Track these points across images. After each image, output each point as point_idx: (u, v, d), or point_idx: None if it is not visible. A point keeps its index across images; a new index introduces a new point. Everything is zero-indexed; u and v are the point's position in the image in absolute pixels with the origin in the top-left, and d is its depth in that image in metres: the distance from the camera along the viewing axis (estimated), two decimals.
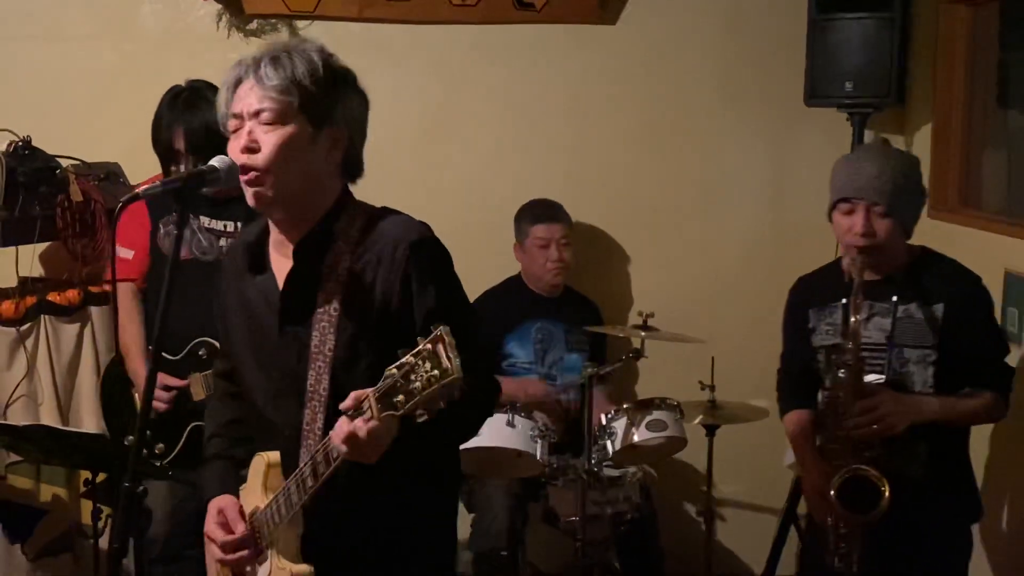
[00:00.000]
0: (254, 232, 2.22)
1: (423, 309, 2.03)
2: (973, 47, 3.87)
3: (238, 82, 2.06)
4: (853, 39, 3.84)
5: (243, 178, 2.02)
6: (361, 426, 1.83)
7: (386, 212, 2.17)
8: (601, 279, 4.17)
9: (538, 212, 3.96)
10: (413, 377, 1.73)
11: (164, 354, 3.24)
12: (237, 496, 2.21)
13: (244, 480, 2.23)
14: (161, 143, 3.30)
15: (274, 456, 2.13)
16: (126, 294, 3.42)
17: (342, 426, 1.86)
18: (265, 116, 2.01)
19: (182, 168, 3.23)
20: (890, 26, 3.80)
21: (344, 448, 1.87)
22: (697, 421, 3.69)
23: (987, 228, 3.62)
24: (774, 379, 4.12)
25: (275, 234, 2.15)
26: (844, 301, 2.83)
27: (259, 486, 2.14)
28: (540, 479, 3.62)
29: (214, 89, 2.98)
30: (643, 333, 3.54)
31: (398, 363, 1.75)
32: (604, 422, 3.55)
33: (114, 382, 3.49)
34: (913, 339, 2.79)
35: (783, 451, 4.02)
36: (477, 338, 2.18)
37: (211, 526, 2.17)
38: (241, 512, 2.17)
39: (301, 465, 2.02)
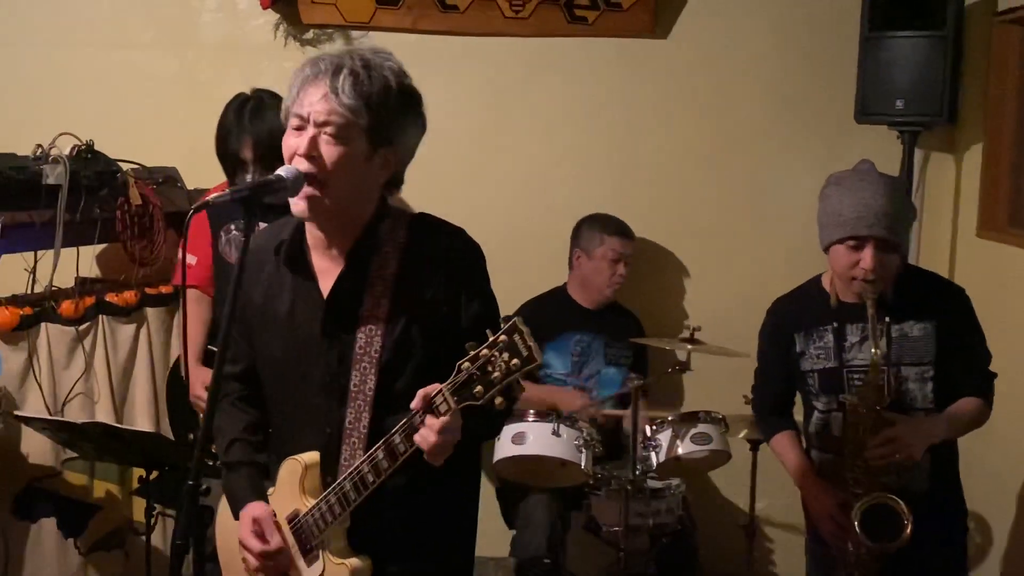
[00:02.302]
0: (287, 232, 2.21)
1: (471, 311, 2.10)
2: None
3: (310, 81, 2.07)
4: (905, 57, 3.84)
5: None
6: (441, 422, 1.91)
7: (424, 217, 2.24)
8: (647, 291, 4.19)
9: (617, 226, 3.99)
10: (491, 368, 1.81)
11: None
12: (266, 501, 2.23)
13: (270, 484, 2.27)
14: (228, 152, 3.37)
15: (311, 457, 2.15)
16: (189, 299, 3.51)
17: (430, 428, 1.92)
18: (331, 129, 2.04)
19: (248, 177, 3.31)
20: (942, 44, 3.80)
21: (427, 446, 1.94)
22: (742, 435, 3.70)
23: None
24: None
25: (316, 239, 2.18)
26: (835, 324, 2.85)
27: (295, 489, 2.16)
28: (583, 488, 3.65)
29: (278, 98, 3.06)
30: (689, 346, 3.56)
31: (470, 356, 1.83)
32: (649, 433, 3.57)
33: (177, 383, 3.57)
34: (911, 357, 2.80)
35: None
36: None
37: (246, 534, 2.18)
38: (276, 521, 2.19)
39: (357, 464, 2.05)
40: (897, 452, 2.70)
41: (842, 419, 2.84)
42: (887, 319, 2.80)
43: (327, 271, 2.16)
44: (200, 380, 3.35)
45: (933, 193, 4.15)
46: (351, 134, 2.04)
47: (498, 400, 1.82)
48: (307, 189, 2.05)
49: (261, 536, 2.16)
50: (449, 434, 1.93)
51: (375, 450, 2.03)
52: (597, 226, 4.00)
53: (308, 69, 2.09)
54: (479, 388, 1.83)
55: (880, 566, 2.77)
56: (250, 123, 3.33)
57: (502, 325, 1.81)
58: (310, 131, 2.05)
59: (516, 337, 1.78)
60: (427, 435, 1.94)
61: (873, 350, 2.71)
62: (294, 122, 2.08)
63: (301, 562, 2.17)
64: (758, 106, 4.25)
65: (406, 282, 2.11)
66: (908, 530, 2.68)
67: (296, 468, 2.16)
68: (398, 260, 2.12)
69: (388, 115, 2.06)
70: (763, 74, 4.24)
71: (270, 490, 2.24)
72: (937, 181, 4.16)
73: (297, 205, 2.07)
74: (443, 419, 1.91)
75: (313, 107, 2.05)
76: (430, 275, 2.11)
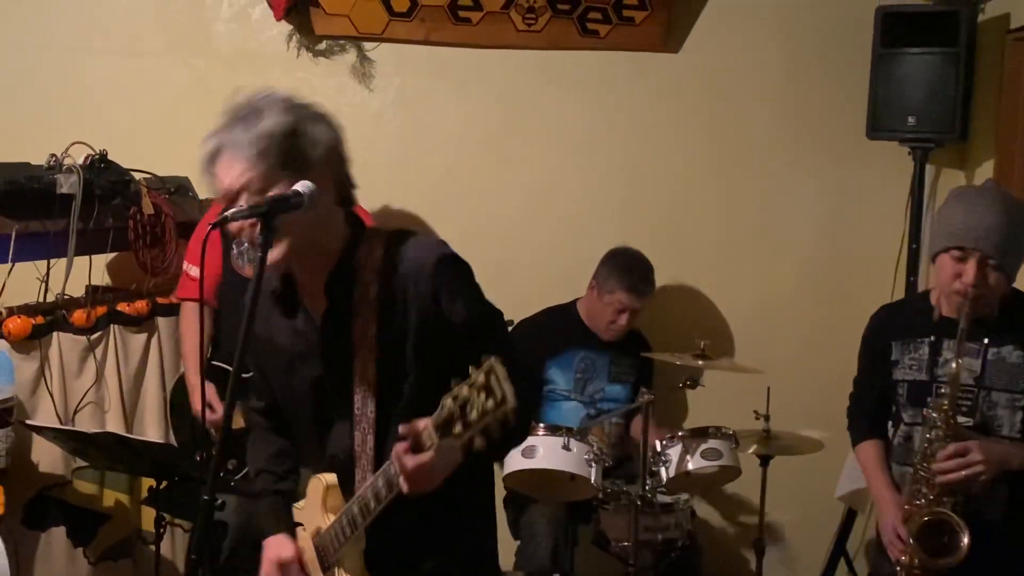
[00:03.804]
0: (274, 280, 2.22)
1: (458, 319, 2.09)
2: None
3: (215, 157, 2.08)
4: (917, 74, 3.85)
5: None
6: (424, 460, 1.91)
7: (403, 235, 2.19)
8: (658, 306, 4.19)
9: (635, 282, 3.86)
10: (468, 408, 1.79)
11: (229, 368, 3.34)
12: (291, 531, 2.29)
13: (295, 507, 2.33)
14: None
15: (331, 478, 2.20)
16: (191, 312, 3.51)
17: (404, 463, 1.93)
18: (254, 187, 2.03)
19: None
20: (955, 61, 3.80)
21: (407, 485, 1.95)
22: (751, 451, 3.70)
23: None
24: (829, 410, 4.12)
25: (300, 277, 2.20)
26: (932, 338, 2.81)
27: (319, 506, 2.21)
28: (591, 502, 3.64)
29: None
30: (699, 362, 3.56)
31: (453, 393, 1.81)
32: (659, 448, 3.57)
33: (181, 394, 3.58)
34: (1004, 382, 2.76)
35: (835, 483, 4.04)
36: (510, 342, 2.24)
37: (269, 567, 2.26)
38: (299, 557, 2.25)
39: (362, 490, 2.09)
40: (964, 469, 2.67)
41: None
42: (985, 340, 2.77)
43: (317, 303, 2.18)
44: (198, 395, 3.34)
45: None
46: (268, 184, 2.02)
47: (477, 441, 1.80)
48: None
49: (285, 573, 2.25)
50: (431, 470, 1.94)
51: (377, 478, 2.05)
52: (617, 271, 3.88)
53: (203, 148, 2.10)
54: (459, 427, 1.81)
55: None
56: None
57: (483, 361, 1.78)
58: (241, 199, 2.05)
59: (492, 378, 1.76)
60: (406, 471, 1.94)
61: (954, 364, 2.70)
62: (225, 202, 2.08)
63: (333, 571, 2.21)
64: (769, 121, 4.26)
65: (389, 304, 2.11)
66: (964, 549, 2.65)
67: (319, 486, 2.22)
68: (378, 283, 2.11)
69: (283, 148, 2.01)
70: (774, 89, 4.24)
71: (300, 503, 2.30)
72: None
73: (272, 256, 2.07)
74: (422, 457, 1.91)
75: (224, 183, 2.05)
76: (411, 293, 2.10)
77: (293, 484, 2.33)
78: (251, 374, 2.87)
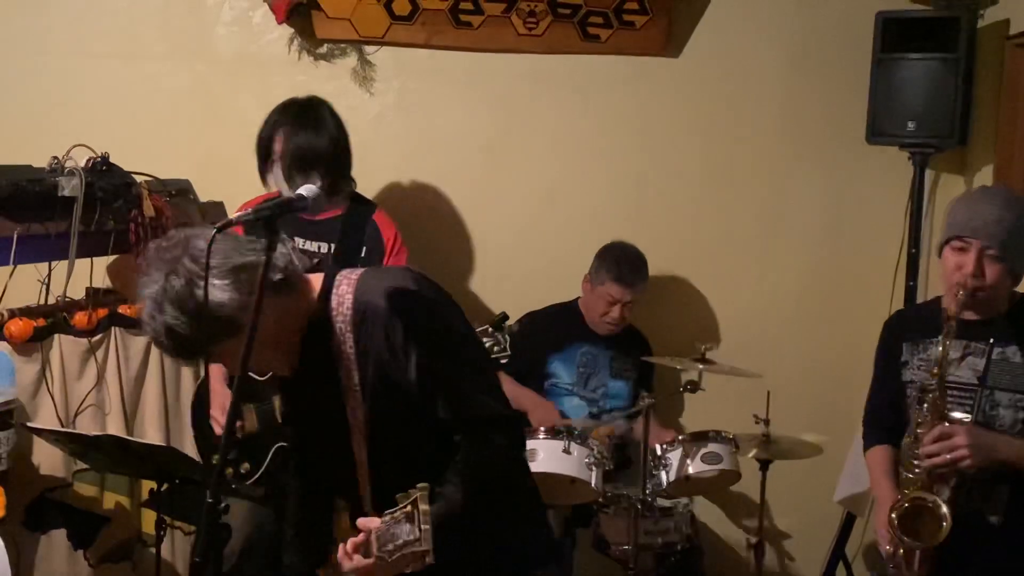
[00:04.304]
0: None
1: (410, 367, 2.10)
2: None
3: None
4: (917, 79, 3.86)
5: None
6: (363, 564, 1.98)
7: (367, 276, 2.18)
8: (659, 310, 4.20)
9: (623, 273, 3.89)
10: (397, 532, 1.87)
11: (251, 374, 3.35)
12: None
13: None
14: (262, 142, 3.43)
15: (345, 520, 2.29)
16: None
17: (343, 562, 2.02)
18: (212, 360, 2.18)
19: (273, 173, 3.33)
20: (954, 67, 3.81)
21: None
22: (751, 455, 3.70)
23: None
24: (828, 415, 4.17)
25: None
26: (939, 337, 2.81)
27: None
28: (591, 506, 3.65)
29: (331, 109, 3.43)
30: (700, 366, 3.57)
31: (392, 511, 1.90)
32: (659, 452, 3.58)
33: (203, 399, 3.58)
34: (1007, 383, 2.76)
35: (834, 487, 4.05)
36: (476, 382, 2.17)
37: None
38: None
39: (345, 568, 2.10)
40: (947, 452, 2.67)
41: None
42: (991, 340, 2.79)
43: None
44: (219, 401, 3.35)
45: (943, 215, 4.11)
46: (218, 350, 2.07)
47: (409, 568, 1.87)
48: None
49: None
50: (374, 572, 1.99)
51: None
52: (607, 264, 3.92)
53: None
54: (389, 547, 1.88)
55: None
56: (293, 118, 3.37)
57: (411, 492, 1.86)
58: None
59: (415, 514, 1.83)
60: (351, 568, 2.01)
61: (939, 348, 2.71)
62: None
63: None
64: (769, 125, 4.27)
65: (364, 350, 2.13)
66: (944, 532, 2.65)
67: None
68: (352, 333, 2.13)
69: (198, 325, 2.00)
70: (775, 94, 4.25)
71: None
72: (947, 203, 4.16)
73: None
74: (366, 562, 1.97)
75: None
76: (374, 338, 2.11)
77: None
78: None
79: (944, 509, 2.67)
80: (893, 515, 2.74)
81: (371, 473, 2.16)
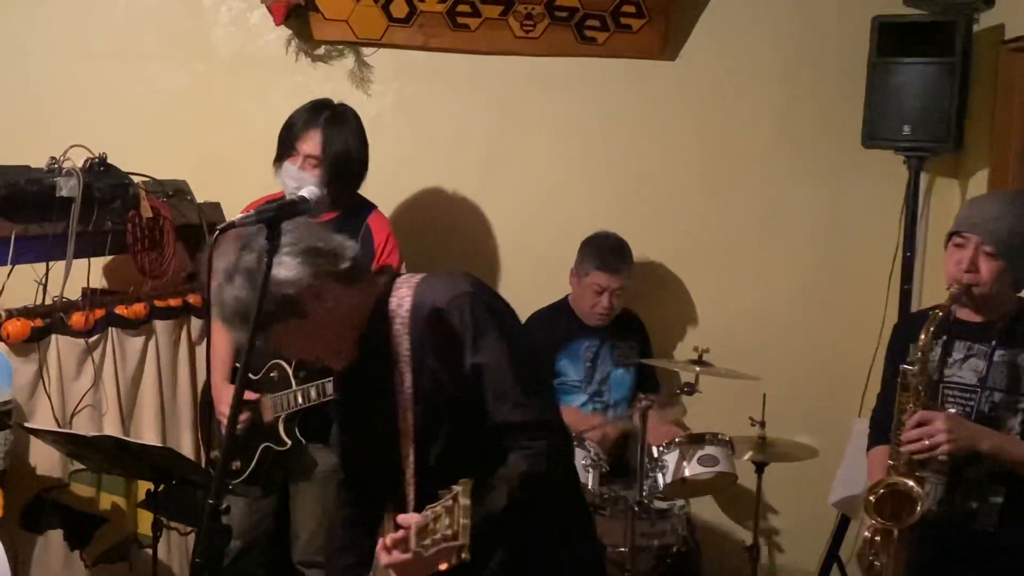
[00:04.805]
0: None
1: (466, 369, 2.11)
2: None
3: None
4: (913, 83, 3.88)
5: None
6: (400, 559, 1.97)
7: (428, 278, 2.22)
8: (654, 312, 4.21)
9: (605, 259, 3.92)
10: (437, 526, 1.85)
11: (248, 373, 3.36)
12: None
13: None
14: (288, 138, 3.44)
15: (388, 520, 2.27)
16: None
17: (380, 557, 2.01)
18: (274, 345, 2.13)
19: (293, 169, 3.36)
20: (950, 71, 3.83)
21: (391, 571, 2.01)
22: (747, 457, 3.72)
23: None
24: (823, 417, 4.19)
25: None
26: (944, 338, 2.84)
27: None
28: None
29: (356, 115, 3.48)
30: (697, 368, 3.58)
31: (433, 506, 1.88)
32: (656, 455, 3.59)
33: (207, 398, 3.59)
34: (1006, 385, 2.77)
35: (829, 489, 4.06)
36: (530, 389, 2.16)
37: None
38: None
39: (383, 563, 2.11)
40: (926, 438, 2.68)
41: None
42: (993, 342, 2.80)
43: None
44: (227, 399, 3.36)
45: (938, 218, 4.18)
46: (281, 330, 2.08)
47: (441, 565, 1.86)
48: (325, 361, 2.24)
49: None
50: (411, 569, 1.98)
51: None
52: (590, 254, 3.95)
53: None
54: (428, 541, 1.87)
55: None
56: (326, 125, 3.38)
57: (454, 487, 1.83)
58: None
59: (455, 508, 1.81)
60: (387, 562, 2.01)
61: (922, 336, 2.73)
62: None
63: None
64: (765, 129, 4.28)
65: (419, 352, 2.15)
66: (918, 514, 2.67)
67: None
68: (408, 334, 2.15)
69: (264, 300, 2.01)
70: (771, 97, 4.27)
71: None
72: (942, 206, 4.19)
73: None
74: (403, 557, 1.97)
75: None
76: (431, 344, 2.13)
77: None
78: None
79: (918, 490, 2.68)
80: (871, 497, 2.75)
81: (416, 477, 2.16)
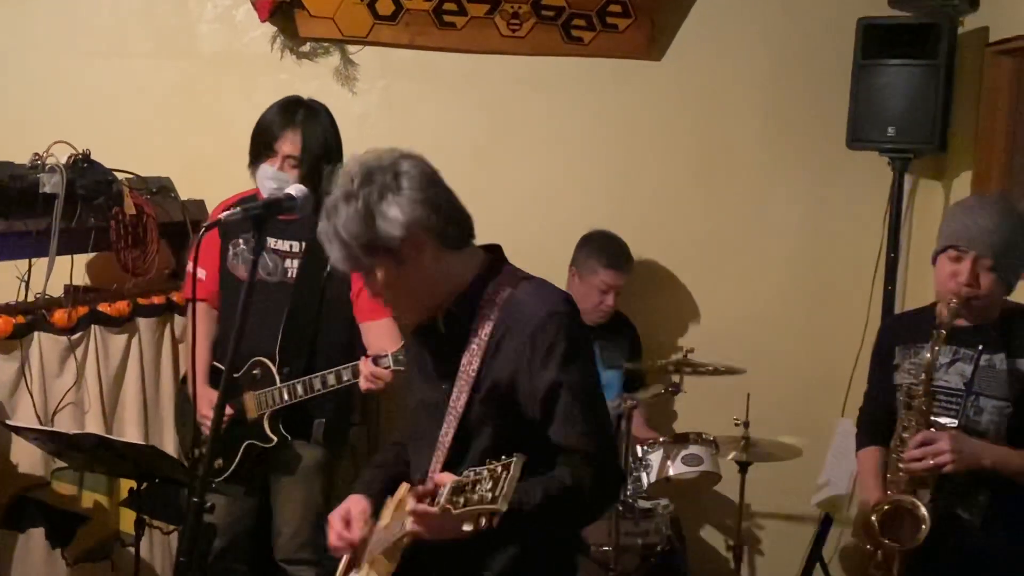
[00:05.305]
0: None
1: (544, 382, 2.10)
2: (1015, 97, 3.91)
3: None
4: (897, 85, 3.89)
5: None
6: (430, 511, 1.95)
7: (534, 283, 2.23)
8: (640, 310, 4.21)
9: (614, 258, 3.93)
10: (476, 488, 1.84)
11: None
12: (375, 498, 2.36)
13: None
14: (264, 139, 3.39)
15: (406, 489, 2.27)
16: (198, 313, 3.52)
17: (412, 505, 1.99)
18: (362, 277, 2.18)
19: (272, 169, 3.33)
20: (935, 73, 3.85)
21: (412, 525, 2.01)
22: (731, 457, 3.73)
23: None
24: (809, 418, 4.20)
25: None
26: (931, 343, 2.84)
27: (391, 506, 2.29)
28: None
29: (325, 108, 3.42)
30: (684, 368, 3.58)
31: (476, 467, 1.87)
32: (640, 454, 3.59)
33: (185, 398, 3.57)
34: (992, 390, 2.79)
35: (812, 489, 4.08)
36: (597, 421, 2.17)
37: (335, 515, 2.33)
38: (366, 517, 2.32)
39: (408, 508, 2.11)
40: (930, 457, 2.70)
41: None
42: (980, 347, 2.81)
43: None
44: (207, 399, 3.34)
45: (922, 219, 4.20)
46: (364, 268, 2.13)
47: (466, 525, 1.85)
48: (390, 312, 2.31)
49: (346, 523, 2.30)
50: (436, 524, 1.98)
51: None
52: (594, 252, 3.95)
53: None
54: (461, 500, 1.86)
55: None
56: (304, 123, 3.35)
57: (509, 456, 1.82)
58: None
59: (503, 475, 1.80)
60: (413, 512, 2.00)
61: (928, 355, 2.74)
62: None
63: (363, 563, 2.29)
64: (751, 129, 4.29)
65: (497, 346, 2.15)
66: (923, 534, 2.68)
67: (401, 491, 2.29)
68: (493, 323, 2.15)
69: (363, 234, 2.07)
70: (756, 98, 4.28)
71: (389, 499, 2.36)
72: (926, 208, 4.21)
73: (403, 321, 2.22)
74: (428, 508, 1.95)
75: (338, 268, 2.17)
76: (515, 342, 2.13)
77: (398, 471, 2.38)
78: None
79: (923, 511, 2.70)
80: (873, 518, 2.77)
81: (448, 457, 2.16)
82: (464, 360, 2.15)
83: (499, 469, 1.81)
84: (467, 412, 2.15)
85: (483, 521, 1.81)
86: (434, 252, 2.12)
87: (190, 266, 3.62)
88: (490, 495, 1.80)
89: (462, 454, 2.14)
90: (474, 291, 2.18)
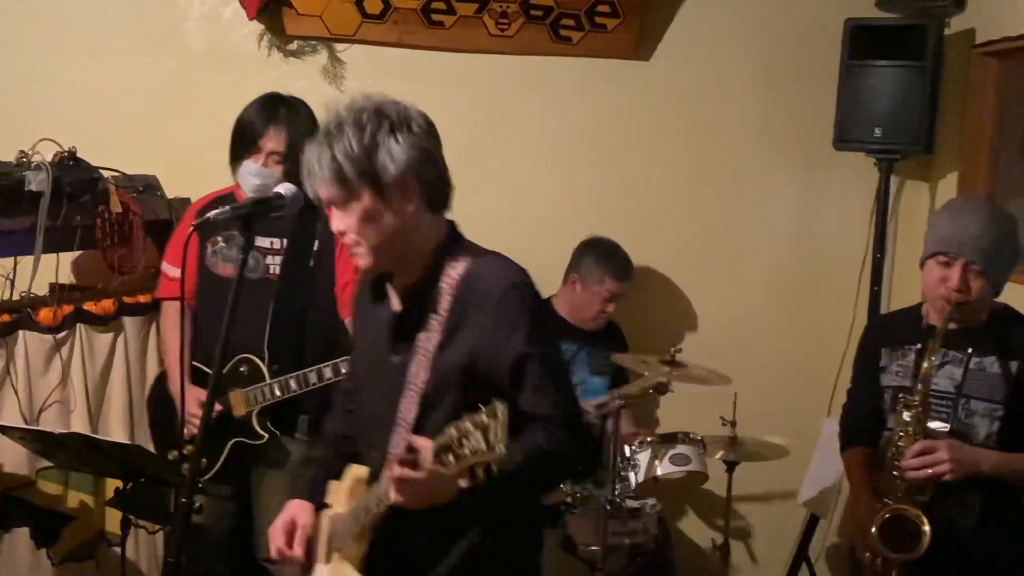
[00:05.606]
0: None
1: (509, 355, 2.10)
2: (1001, 99, 3.93)
3: (309, 170, 2.15)
4: (884, 86, 3.90)
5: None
6: (415, 476, 1.92)
7: (488, 256, 2.24)
8: (627, 310, 4.21)
9: (621, 268, 3.95)
10: (465, 443, 1.81)
11: (208, 368, 3.33)
12: (318, 504, 2.34)
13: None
14: (247, 137, 3.37)
15: (362, 471, 2.26)
16: (171, 312, 3.49)
17: (395, 472, 1.95)
18: (335, 203, 2.13)
19: (257, 165, 3.32)
20: (921, 75, 3.86)
21: (394, 494, 1.98)
22: (718, 456, 3.74)
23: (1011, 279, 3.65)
24: (795, 417, 4.21)
25: (394, 273, 2.27)
26: (919, 346, 2.85)
27: (346, 492, 2.27)
28: (558, 507, 3.66)
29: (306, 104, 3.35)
30: (670, 368, 3.58)
31: (458, 424, 1.83)
32: (628, 454, 3.59)
33: (160, 396, 3.55)
34: (983, 392, 2.79)
35: (799, 489, 4.09)
36: (562, 381, 2.19)
37: (278, 527, 2.33)
38: (307, 530, 2.31)
39: (374, 490, 2.12)
40: (929, 467, 2.70)
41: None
42: (969, 350, 2.82)
43: (398, 300, 2.26)
44: (193, 398, 3.32)
45: (907, 220, 4.22)
46: (346, 198, 2.10)
47: (461, 480, 1.83)
48: (354, 254, 2.17)
49: (290, 536, 2.30)
50: (421, 488, 1.95)
51: (385, 481, 2.06)
52: (602, 261, 3.95)
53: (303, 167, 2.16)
54: (451, 457, 1.83)
55: None
56: (288, 119, 3.33)
57: (493, 403, 1.79)
58: (335, 213, 2.15)
59: (492, 423, 1.78)
60: (395, 480, 1.97)
61: (924, 363, 2.75)
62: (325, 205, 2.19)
63: (323, 557, 2.28)
64: (738, 130, 4.30)
65: (456, 322, 2.14)
66: (924, 544, 2.69)
67: (352, 474, 2.28)
68: (452, 297, 2.15)
69: (359, 164, 2.08)
70: (744, 99, 4.28)
71: (335, 483, 2.34)
72: (912, 209, 4.23)
73: (359, 265, 2.18)
74: (412, 473, 1.93)
75: (317, 195, 2.14)
76: (476, 315, 2.13)
77: (345, 466, 2.35)
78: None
79: (926, 526, 2.70)
80: (874, 529, 2.77)
81: (413, 432, 2.13)
82: (422, 337, 2.15)
83: (485, 418, 1.78)
84: (428, 388, 2.14)
85: (480, 473, 1.80)
86: (417, 205, 2.14)
87: (164, 266, 3.60)
88: (484, 444, 1.77)
89: (423, 430, 2.11)
90: (435, 264, 2.18)
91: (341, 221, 2.12)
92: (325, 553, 2.28)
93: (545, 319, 2.19)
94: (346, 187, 2.07)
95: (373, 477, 2.20)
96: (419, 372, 2.14)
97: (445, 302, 2.14)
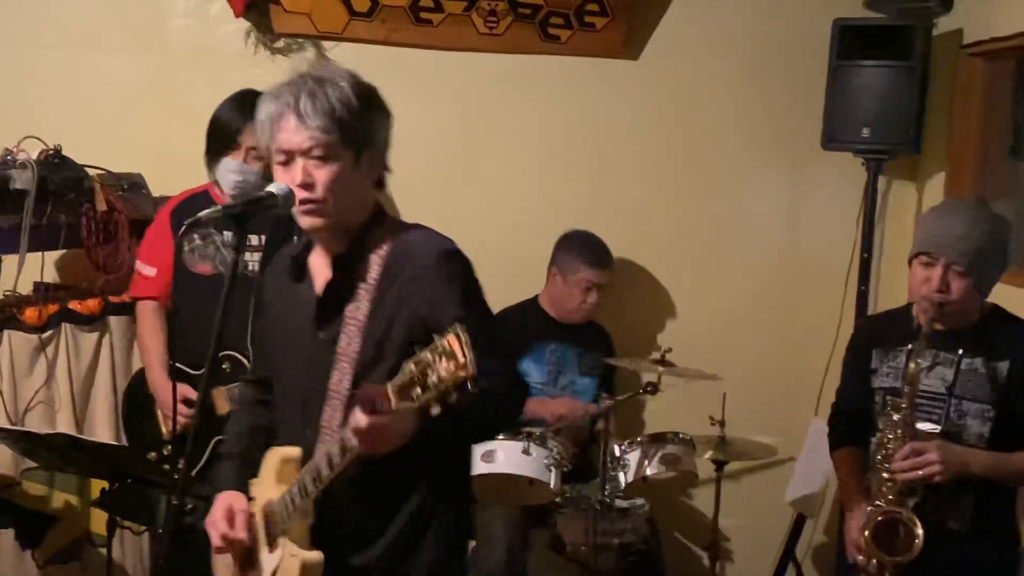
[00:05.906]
0: (298, 247, 2.34)
1: (449, 316, 2.08)
2: (989, 100, 3.94)
3: (280, 116, 2.14)
4: (873, 86, 3.91)
5: (300, 208, 2.12)
6: (377, 420, 1.90)
7: (414, 227, 2.29)
8: (615, 311, 4.21)
9: (596, 256, 3.95)
10: (430, 372, 1.79)
11: (187, 368, 3.30)
12: (246, 493, 2.31)
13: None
14: (223, 134, 3.35)
15: (290, 451, 2.23)
16: (147, 311, 3.47)
17: (357, 419, 1.93)
18: (316, 153, 2.12)
19: (236, 162, 3.30)
20: (909, 75, 3.87)
21: (356, 441, 1.95)
22: (707, 456, 3.74)
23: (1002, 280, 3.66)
24: (783, 417, 4.22)
25: (318, 244, 2.27)
26: (910, 347, 2.84)
27: (272, 479, 2.24)
28: (548, 507, 3.65)
29: None
30: (660, 368, 3.58)
31: (415, 358, 1.81)
32: (618, 454, 3.59)
33: (135, 397, 3.52)
34: (974, 393, 2.80)
35: (786, 488, 4.10)
36: (501, 344, 2.22)
37: (215, 516, 2.26)
38: (249, 510, 2.27)
39: (316, 458, 2.10)
40: (919, 468, 2.71)
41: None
42: (960, 351, 2.82)
43: (322, 276, 2.25)
44: (168, 395, 3.29)
45: (895, 220, 4.23)
46: (333, 151, 2.12)
47: (434, 408, 1.80)
48: (303, 211, 2.13)
49: (231, 522, 2.24)
50: (386, 431, 1.93)
51: (332, 445, 2.05)
52: (576, 251, 3.97)
53: (269, 106, 2.16)
54: (418, 390, 1.81)
55: None
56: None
57: (448, 329, 1.78)
58: (298, 162, 2.12)
59: (456, 344, 1.76)
60: (359, 429, 1.94)
61: (911, 364, 2.75)
62: (279, 158, 2.16)
63: (265, 548, 2.25)
64: (727, 130, 4.29)
65: (385, 290, 2.16)
66: (918, 547, 2.69)
67: (274, 459, 2.24)
68: (381, 267, 2.17)
69: (356, 119, 2.12)
70: (732, 98, 4.28)
71: (254, 480, 2.31)
72: (900, 209, 4.24)
73: (304, 221, 2.15)
74: (386, 417, 1.90)
75: (291, 141, 2.12)
76: (407, 283, 2.15)
77: (262, 457, 2.32)
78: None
79: (919, 528, 2.71)
80: (867, 533, 2.77)
81: (347, 403, 2.13)
82: (350, 308, 2.16)
83: (447, 343, 1.76)
84: (360, 357, 2.14)
85: (454, 396, 1.77)
86: (373, 179, 2.21)
87: (138, 264, 3.56)
88: (453, 366, 1.75)
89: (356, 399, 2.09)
90: (361, 237, 2.20)
91: (311, 174, 2.10)
92: (267, 542, 2.25)
93: (478, 286, 2.21)
94: (333, 140, 2.09)
95: (308, 454, 2.18)
96: (350, 343, 2.16)
97: (374, 271, 2.16)
